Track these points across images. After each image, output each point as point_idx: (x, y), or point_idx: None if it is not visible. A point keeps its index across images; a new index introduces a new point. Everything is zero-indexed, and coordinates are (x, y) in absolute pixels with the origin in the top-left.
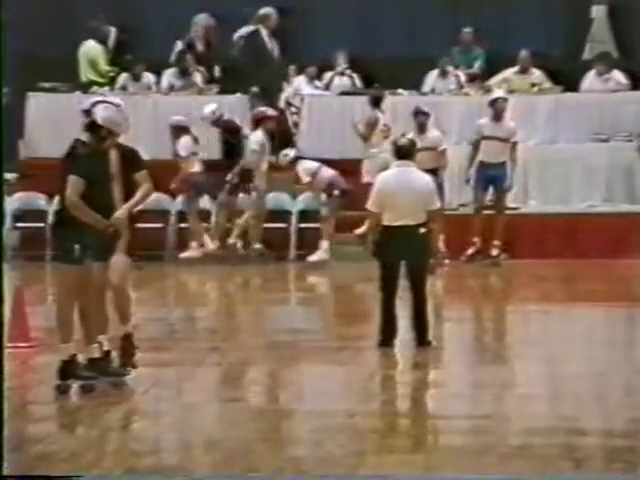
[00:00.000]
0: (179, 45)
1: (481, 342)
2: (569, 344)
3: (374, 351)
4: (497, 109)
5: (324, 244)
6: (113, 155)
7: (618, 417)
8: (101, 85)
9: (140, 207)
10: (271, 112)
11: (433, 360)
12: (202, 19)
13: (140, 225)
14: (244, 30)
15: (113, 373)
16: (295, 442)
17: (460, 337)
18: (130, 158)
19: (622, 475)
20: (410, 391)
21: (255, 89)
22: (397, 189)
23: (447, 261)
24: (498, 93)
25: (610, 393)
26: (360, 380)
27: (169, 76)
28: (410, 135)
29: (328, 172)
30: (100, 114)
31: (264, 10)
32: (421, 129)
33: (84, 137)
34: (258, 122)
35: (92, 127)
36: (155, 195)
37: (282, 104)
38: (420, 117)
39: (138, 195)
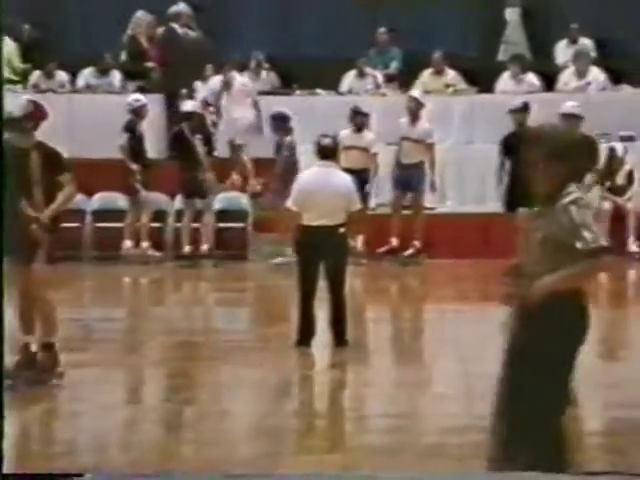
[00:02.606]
0: (124, 44)
1: (398, 342)
2: (483, 343)
3: (292, 351)
4: (407, 108)
5: None
6: (34, 157)
7: None
8: (14, 83)
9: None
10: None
11: (351, 360)
12: (144, 16)
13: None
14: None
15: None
16: (212, 443)
17: (378, 337)
18: (53, 160)
19: (622, 475)
20: (328, 391)
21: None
22: (317, 188)
23: (364, 261)
24: (411, 92)
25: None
26: (277, 380)
27: (86, 75)
28: (346, 132)
29: None
30: (16, 108)
31: (175, 8)
32: (359, 129)
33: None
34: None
35: (13, 123)
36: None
37: (199, 104)
38: (358, 118)
39: (60, 199)
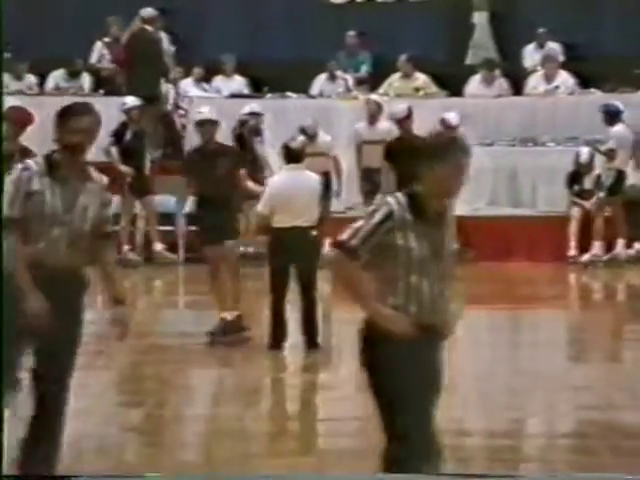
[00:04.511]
0: (99, 46)
1: None
2: (454, 346)
3: (264, 354)
4: (367, 111)
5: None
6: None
7: (500, 417)
8: None
9: None
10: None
11: (322, 363)
12: (118, 19)
13: None
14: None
15: None
16: (183, 446)
17: (349, 340)
18: None
19: (621, 475)
20: (299, 394)
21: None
22: (292, 191)
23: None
24: (370, 95)
25: (493, 394)
26: (249, 383)
27: (56, 77)
28: (300, 139)
29: None
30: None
31: (150, 11)
32: (311, 138)
33: None
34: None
35: None
36: None
37: (170, 106)
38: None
39: None
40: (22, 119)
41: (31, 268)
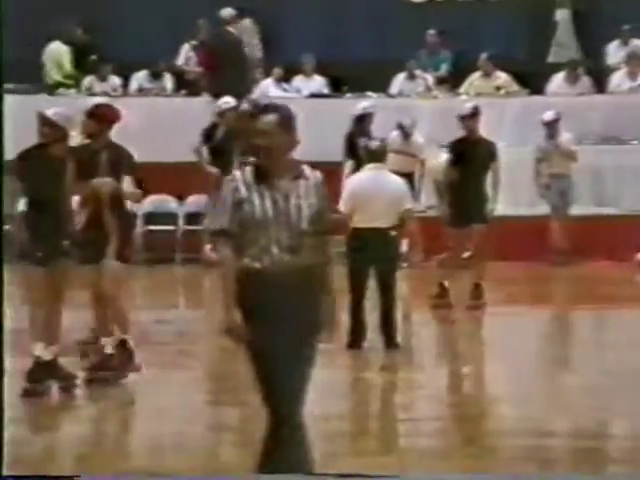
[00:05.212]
0: (187, 48)
1: (448, 344)
2: (535, 345)
3: (343, 353)
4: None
5: None
6: (105, 157)
7: (584, 418)
8: (67, 86)
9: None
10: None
11: (401, 362)
12: (207, 23)
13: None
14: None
15: (64, 377)
16: None
17: (428, 339)
18: (123, 161)
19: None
20: (379, 393)
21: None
22: (372, 192)
23: (405, 264)
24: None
25: (576, 394)
26: (329, 382)
27: (139, 79)
28: (395, 136)
29: None
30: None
31: (230, 12)
32: (406, 136)
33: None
34: None
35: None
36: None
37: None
38: (405, 127)
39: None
40: (109, 116)
41: (253, 275)
